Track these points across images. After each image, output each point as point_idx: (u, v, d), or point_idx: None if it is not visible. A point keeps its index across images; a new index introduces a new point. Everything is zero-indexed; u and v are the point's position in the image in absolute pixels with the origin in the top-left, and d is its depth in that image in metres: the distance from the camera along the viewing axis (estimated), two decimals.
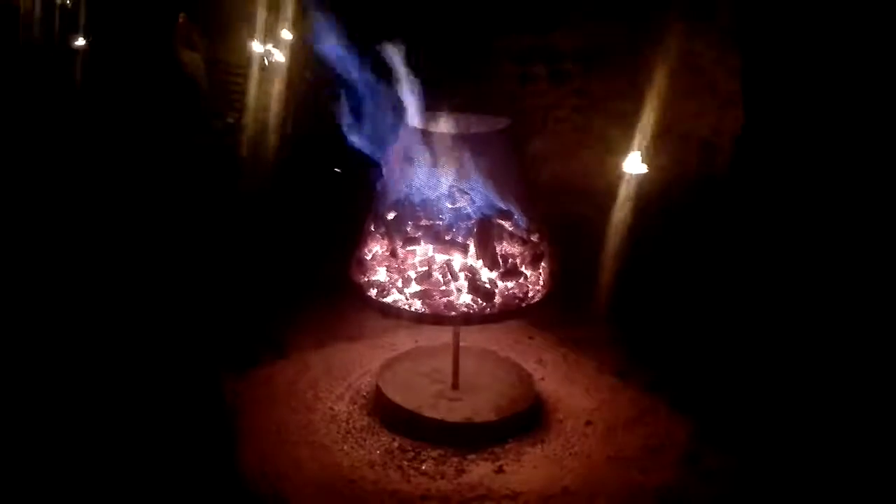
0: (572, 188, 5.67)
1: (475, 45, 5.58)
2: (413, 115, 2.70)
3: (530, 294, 2.70)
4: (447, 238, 2.63)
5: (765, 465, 2.77)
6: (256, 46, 4.22)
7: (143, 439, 2.84)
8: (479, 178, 2.66)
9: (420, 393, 2.99)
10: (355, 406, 3.09)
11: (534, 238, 2.76)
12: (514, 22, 5.73)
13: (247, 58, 4.48)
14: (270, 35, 4.52)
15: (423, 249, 2.67)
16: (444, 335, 3.36)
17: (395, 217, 2.72)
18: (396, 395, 2.95)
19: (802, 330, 3.12)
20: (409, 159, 2.69)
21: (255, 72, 4.37)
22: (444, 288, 2.62)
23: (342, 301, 3.88)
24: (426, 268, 2.65)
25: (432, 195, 2.68)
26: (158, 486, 2.62)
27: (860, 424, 2.91)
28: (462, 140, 2.67)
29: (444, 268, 2.63)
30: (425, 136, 2.66)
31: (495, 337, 3.60)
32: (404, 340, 3.58)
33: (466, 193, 2.68)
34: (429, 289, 2.62)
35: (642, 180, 4.81)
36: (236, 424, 2.94)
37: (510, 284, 2.66)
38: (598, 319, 3.85)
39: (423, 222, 2.67)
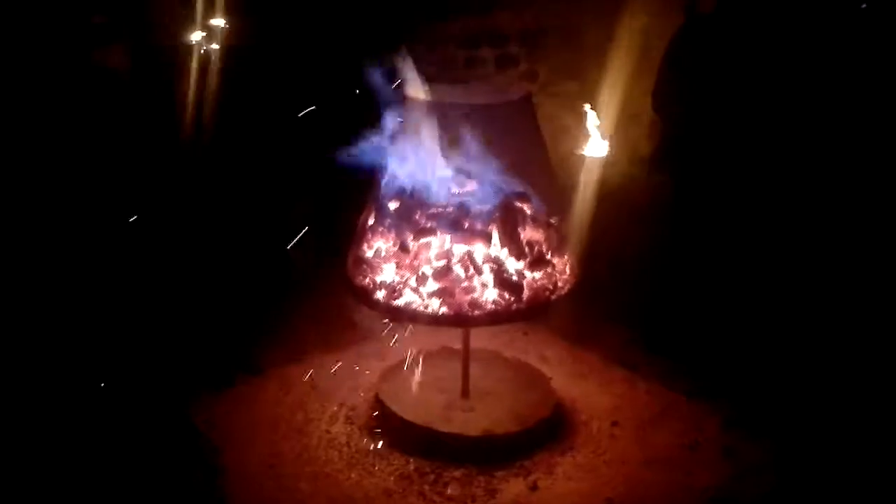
0: None
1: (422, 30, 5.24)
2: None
3: (559, 284, 2.39)
4: (466, 226, 2.28)
5: (801, 452, 2.59)
6: (193, 34, 3.85)
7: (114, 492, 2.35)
8: (492, 155, 2.32)
9: (428, 405, 2.63)
10: (353, 426, 2.70)
11: (553, 221, 2.46)
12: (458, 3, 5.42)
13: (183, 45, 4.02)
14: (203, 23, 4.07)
15: (439, 241, 2.31)
16: (439, 338, 3.02)
17: (399, 206, 2.35)
18: (404, 411, 2.58)
19: (809, 310, 2.99)
20: (413, 139, 2.33)
21: (191, 60, 3.95)
22: (466, 284, 2.27)
23: (313, 307, 3.47)
24: (444, 261, 2.29)
25: (440, 178, 2.33)
26: None
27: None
28: (473, 112, 2.33)
29: (466, 260, 2.28)
30: (431, 108, 2.30)
31: (487, 335, 3.26)
32: (390, 347, 3.19)
33: (477, 175, 2.34)
34: (449, 286, 2.27)
35: (601, 162, 4.62)
36: (219, 461, 2.49)
37: (538, 275, 2.34)
38: (589, 309, 3.59)
39: (434, 210, 2.32)
